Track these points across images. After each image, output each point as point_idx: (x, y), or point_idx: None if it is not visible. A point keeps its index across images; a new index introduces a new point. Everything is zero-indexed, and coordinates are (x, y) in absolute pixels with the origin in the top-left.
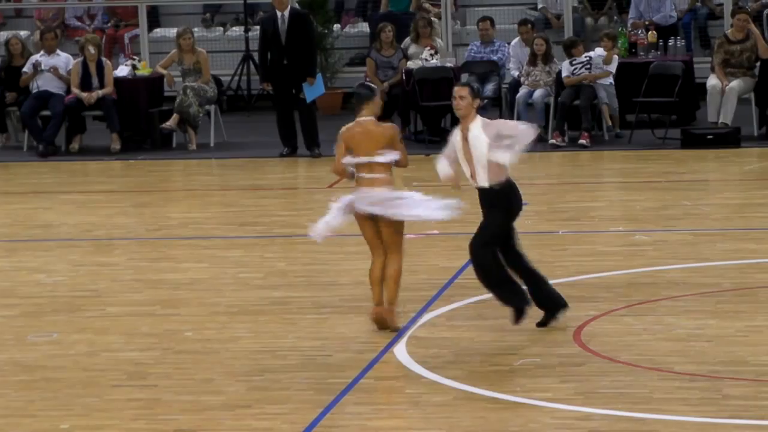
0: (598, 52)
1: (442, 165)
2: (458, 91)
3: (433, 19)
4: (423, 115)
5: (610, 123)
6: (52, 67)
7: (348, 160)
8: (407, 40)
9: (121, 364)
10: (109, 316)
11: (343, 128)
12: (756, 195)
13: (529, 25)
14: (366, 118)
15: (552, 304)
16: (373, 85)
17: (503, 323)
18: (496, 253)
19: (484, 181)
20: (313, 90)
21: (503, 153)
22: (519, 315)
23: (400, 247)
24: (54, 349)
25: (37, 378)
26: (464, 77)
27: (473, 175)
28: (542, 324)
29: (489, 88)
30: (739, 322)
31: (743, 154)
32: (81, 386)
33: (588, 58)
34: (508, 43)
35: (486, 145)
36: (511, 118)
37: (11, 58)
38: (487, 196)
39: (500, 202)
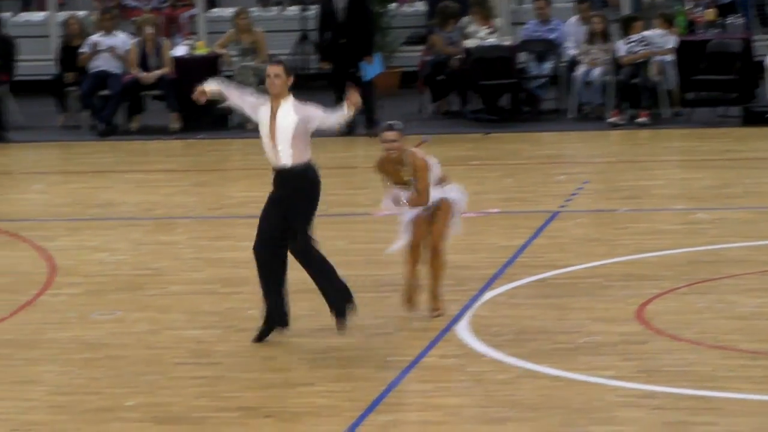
0: (657, 32)
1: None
2: (273, 69)
3: None
4: (481, 94)
5: (669, 101)
6: (110, 47)
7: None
8: (465, 18)
9: (183, 342)
10: (171, 294)
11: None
12: None
13: (587, 3)
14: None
15: (276, 317)
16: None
17: (565, 301)
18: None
19: (287, 159)
20: (372, 69)
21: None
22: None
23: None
24: (117, 327)
25: (101, 356)
26: (522, 56)
27: (276, 155)
28: (259, 338)
29: (546, 67)
30: None
31: None
32: (144, 364)
33: (642, 37)
34: (565, 22)
35: (294, 123)
36: (569, 97)
37: (70, 39)
38: (287, 176)
39: (302, 183)
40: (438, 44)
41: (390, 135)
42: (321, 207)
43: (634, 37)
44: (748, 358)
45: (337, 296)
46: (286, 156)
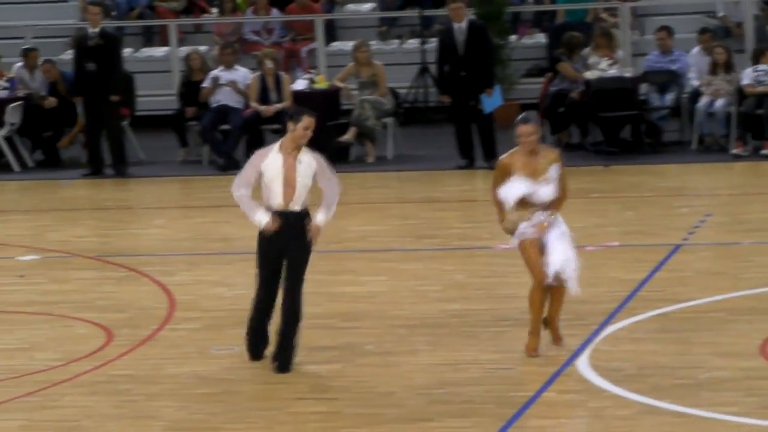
0: None
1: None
2: (310, 122)
3: (611, 29)
4: (601, 126)
5: None
6: (231, 82)
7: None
8: (587, 49)
9: (301, 376)
10: None
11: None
12: None
13: (709, 34)
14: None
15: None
16: (531, 114)
17: (687, 336)
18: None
19: (298, 206)
20: (492, 101)
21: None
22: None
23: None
24: (235, 362)
25: (219, 391)
26: (643, 87)
27: (288, 199)
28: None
29: (669, 98)
30: None
31: None
32: (262, 399)
33: None
34: (688, 52)
35: (314, 170)
36: (691, 128)
37: (191, 73)
38: (296, 221)
39: (304, 229)
40: (568, 72)
41: (528, 128)
42: None
43: (762, 66)
44: None
45: (291, 353)
46: (298, 203)
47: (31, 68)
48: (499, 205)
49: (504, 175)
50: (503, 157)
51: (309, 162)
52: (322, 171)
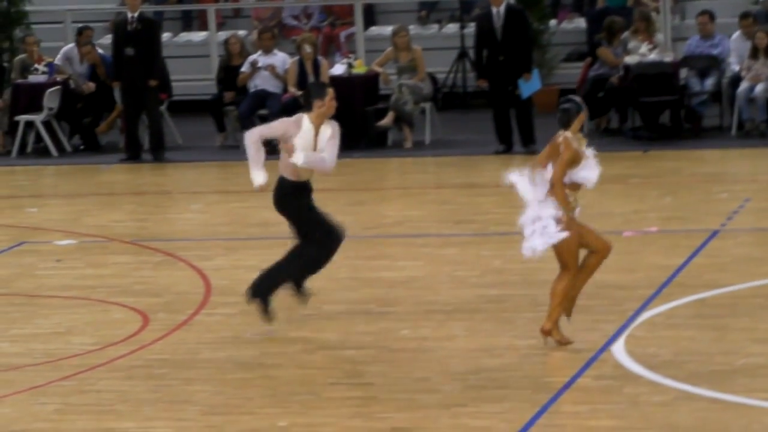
0: None
1: None
2: (332, 92)
3: (652, 13)
4: (640, 111)
5: None
6: (270, 66)
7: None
8: (626, 34)
9: (337, 362)
10: (326, 314)
11: (572, 139)
12: None
13: (751, 18)
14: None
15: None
16: (576, 98)
17: (724, 322)
18: None
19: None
20: (530, 86)
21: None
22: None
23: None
24: (271, 347)
25: (255, 376)
26: (683, 72)
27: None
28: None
29: (709, 83)
30: None
31: None
32: (298, 384)
33: None
34: (729, 37)
35: (328, 135)
36: (732, 113)
37: (230, 58)
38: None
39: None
40: (608, 57)
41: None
42: None
43: None
44: None
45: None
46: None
47: (83, 46)
48: (563, 191)
49: (576, 161)
50: (573, 145)
51: (326, 130)
52: (332, 137)
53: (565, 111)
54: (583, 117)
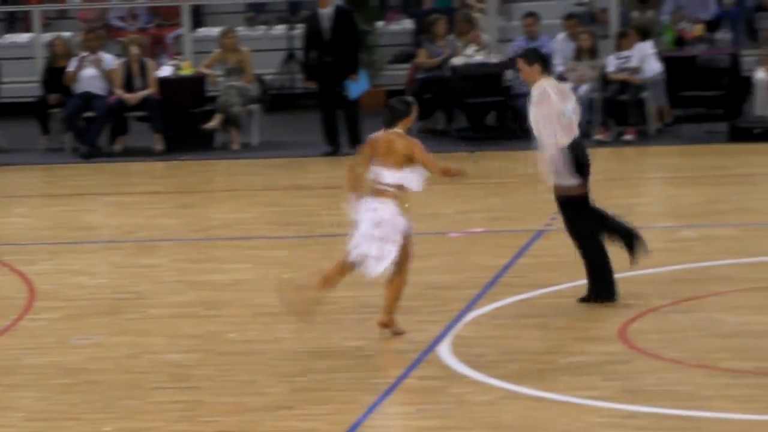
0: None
1: None
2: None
3: (474, 14)
4: (467, 112)
5: (655, 118)
6: (96, 60)
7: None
8: (451, 36)
9: (163, 366)
10: (151, 318)
11: (371, 136)
12: None
13: (575, 20)
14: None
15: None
16: (409, 99)
17: (548, 321)
18: None
19: None
20: (357, 87)
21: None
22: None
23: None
24: (96, 352)
25: (80, 381)
26: (508, 74)
27: None
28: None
29: None
30: None
31: None
32: (123, 388)
33: (631, 54)
34: (553, 38)
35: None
36: None
37: (55, 59)
38: None
39: None
40: (425, 60)
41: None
42: None
43: (625, 53)
44: (731, 377)
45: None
46: None
47: None
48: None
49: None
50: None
51: None
52: None
53: (391, 109)
54: (411, 119)
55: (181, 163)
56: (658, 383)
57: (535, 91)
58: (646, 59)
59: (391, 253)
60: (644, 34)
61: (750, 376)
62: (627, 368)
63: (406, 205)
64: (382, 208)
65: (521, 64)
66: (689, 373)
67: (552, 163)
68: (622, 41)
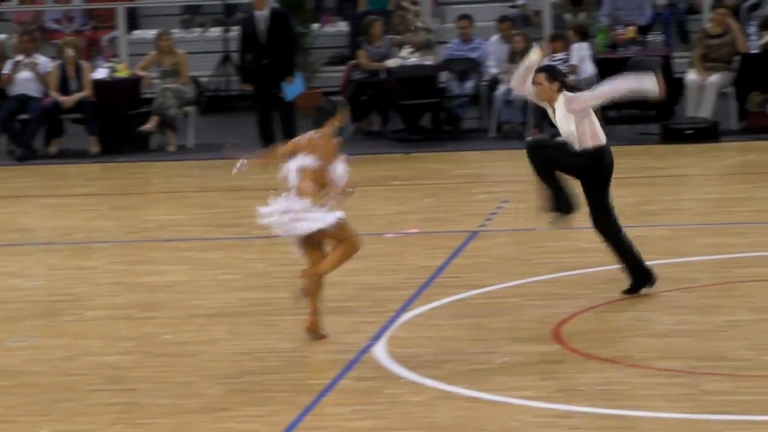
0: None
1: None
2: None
3: (408, 17)
4: (402, 114)
5: None
6: (31, 63)
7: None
8: (387, 38)
9: (99, 368)
10: (88, 320)
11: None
12: (735, 189)
13: (509, 22)
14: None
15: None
16: (336, 99)
17: (483, 321)
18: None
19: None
20: (293, 89)
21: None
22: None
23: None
24: (32, 354)
25: (16, 383)
26: (444, 75)
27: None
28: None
29: (468, 86)
30: (719, 317)
31: (722, 148)
32: (60, 391)
33: (566, 55)
34: (487, 40)
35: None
36: (490, 116)
37: None
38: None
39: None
40: (364, 60)
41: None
42: None
43: (559, 55)
44: (665, 377)
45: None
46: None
47: None
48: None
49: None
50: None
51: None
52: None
53: (320, 110)
54: (339, 119)
55: (116, 165)
56: (591, 383)
57: (560, 103)
58: (583, 60)
59: (327, 217)
60: (583, 35)
61: (683, 375)
62: (561, 368)
63: (329, 204)
64: (299, 204)
65: (542, 78)
66: (623, 372)
67: (619, 89)
68: (555, 43)
